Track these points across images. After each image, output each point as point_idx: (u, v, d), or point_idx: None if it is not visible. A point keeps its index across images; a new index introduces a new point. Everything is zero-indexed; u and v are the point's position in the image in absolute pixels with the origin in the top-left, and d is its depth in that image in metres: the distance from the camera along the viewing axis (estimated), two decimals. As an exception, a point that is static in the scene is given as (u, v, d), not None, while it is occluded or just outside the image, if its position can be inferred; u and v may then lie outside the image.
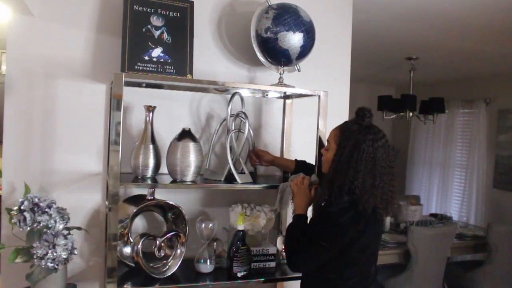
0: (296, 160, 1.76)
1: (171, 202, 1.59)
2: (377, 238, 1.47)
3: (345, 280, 1.37)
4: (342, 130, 1.39)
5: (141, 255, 1.45)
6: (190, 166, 1.52)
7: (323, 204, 1.39)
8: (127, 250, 1.57)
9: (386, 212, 1.38)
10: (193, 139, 1.56)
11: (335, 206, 1.32)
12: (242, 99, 1.70)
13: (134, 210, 1.53)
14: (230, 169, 1.58)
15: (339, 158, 1.34)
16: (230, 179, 1.60)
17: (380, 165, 1.32)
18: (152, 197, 1.57)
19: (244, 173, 1.64)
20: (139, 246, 1.45)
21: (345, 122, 1.43)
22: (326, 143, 1.52)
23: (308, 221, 1.47)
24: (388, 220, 3.59)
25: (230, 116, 1.65)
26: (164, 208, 1.66)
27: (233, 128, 1.67)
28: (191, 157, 1.52)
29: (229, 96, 1.68)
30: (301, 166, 1.73)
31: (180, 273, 1.56)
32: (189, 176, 1.53)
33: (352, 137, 1.33)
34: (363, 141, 1.31)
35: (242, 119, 1.68)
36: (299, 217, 1.47)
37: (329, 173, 1.37)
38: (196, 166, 1.54)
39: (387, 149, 1.35)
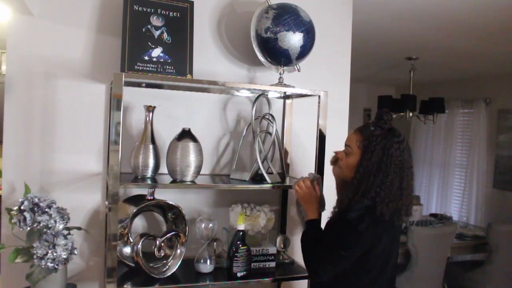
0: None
1: (171, 202, 1.59)
2: (395, 244, 1.44)
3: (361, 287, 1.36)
4: (365, 135, 1.37)
5: (141, 255, 1.45)
6: (189, 166, 1.52)
7: (337, 209, 1.38)
8: (127, 250, 1.56)
9: (407, 213, 1.38)
10: (193, 139, 1.56)
11: (354, 211, 1.30)
12: (268, 101, 1.72)
13: (134, 210, 1.53)
14: (257, 169, 1.63)
15: (367, 163, 1.32)
16: (256, 179, 1.63)
17: (406, 167, 1.33)
18: (152, 197, 1.57)
19: (272, 173, 1.66)
20: (139, 246, 1.45)
21: (366, 126, 1.40)
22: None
23: (322, 225, 1.45)
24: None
25: (256, 118, 1.67)
26: (164, 208, 1.65)
27: (258, 130, 1.69)
28: (191, 157, 1.52)
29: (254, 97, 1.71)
30: None
31: (180, 273, 1.56)
32: (189, 176, 1.53)
33: (379, 142, 1.32)
34: (391, 145, 1.32)
35: (269, 121, 1.69)
36: (311, 223, 1.46)
37: (356, 178, 1.34)
38: (196, 166, 1.54)
39: (409, 150, 1.37)
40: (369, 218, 1.29)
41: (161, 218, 1.71)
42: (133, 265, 1.51)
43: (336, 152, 1.50)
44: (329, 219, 1.45)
